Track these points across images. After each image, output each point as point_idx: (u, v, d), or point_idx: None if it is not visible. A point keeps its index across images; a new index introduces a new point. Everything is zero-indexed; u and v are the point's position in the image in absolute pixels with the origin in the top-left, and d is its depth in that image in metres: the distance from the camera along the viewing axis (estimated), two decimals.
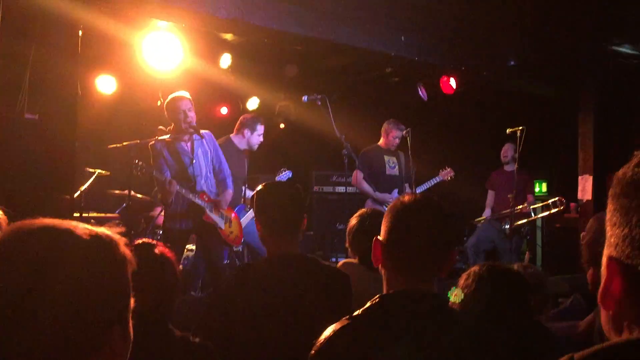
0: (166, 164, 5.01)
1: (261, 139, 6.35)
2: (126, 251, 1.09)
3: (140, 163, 4.80)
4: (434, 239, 1.66)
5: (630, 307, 0.79)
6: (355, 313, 1.60)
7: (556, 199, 7.15)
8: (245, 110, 8.56)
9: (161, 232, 5.81)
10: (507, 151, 7.33)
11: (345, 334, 1.55)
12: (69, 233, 1.03)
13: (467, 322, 1.67)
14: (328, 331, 1.58)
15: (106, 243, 1.06)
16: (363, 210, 3.19)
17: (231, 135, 6.33)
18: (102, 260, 1.04)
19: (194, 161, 5.05)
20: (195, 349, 2.22)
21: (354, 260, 3.03)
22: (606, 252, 0.83)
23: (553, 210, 7.16)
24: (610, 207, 0.83)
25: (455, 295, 2.41)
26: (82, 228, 1.05)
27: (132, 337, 1.12)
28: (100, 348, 1.02)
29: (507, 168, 7.38)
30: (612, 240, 0.81)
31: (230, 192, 5.30)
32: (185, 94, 5.16)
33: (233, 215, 5.43)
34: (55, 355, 0.97)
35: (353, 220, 3.09)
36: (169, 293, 2.22)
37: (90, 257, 1.03)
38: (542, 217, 7.34)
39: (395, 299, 1.62)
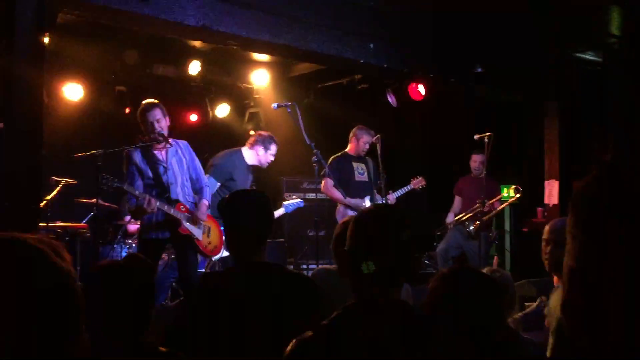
0: (138, 172, 4.95)
1: (272, 158, 6.29)
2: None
3: (109, 177, 4.71)
4: (397, 247, 1.68)
5: (589, 315, 0.81)
6: (322, 323, 1.60)
7: (513, 186, 7.21)
8: (215, 117, 8.54)
9: (132, 240, 5.73)
10: (476, 161, 7.38)
11: (309, 347, 1.55)
12: None
13: (434, 329, 1.68)
14: (295, 342, 1.58)
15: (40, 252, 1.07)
16: (348, 217, 3.19)
17: (243, 148, 6.27)
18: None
19: (168, 170, 5.00)
20: (164, 358, 2.20)
21: (332, 267, 3.03)
22: (567, 262, 0.85)
23: (511, 200, 7.21)
24: (570, 220, 0.85)
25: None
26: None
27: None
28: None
29: (475, 174, 7.46)
30: (573, 251, 0.83)
31: (205, 202, 5.21)
32: (154, 102, 5.11)
33: (214, 225, 5.35)
34: None
35: (338, 228, 3.09)
36: (142, 304, 2.20)
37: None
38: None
39: (361, 308, 1.63)
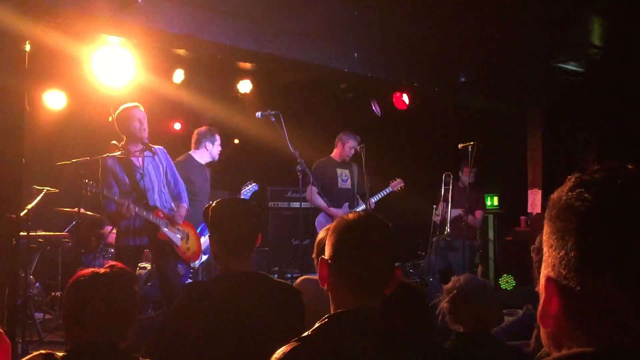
0: (115, 180, 4.91)
1: (220, 148, 6.31)
2: None
3: (90, 182, 4.68)
4: (379, 255, 1.66)
5: (568, 325, 0.82)
6: (305, 334, 1.59)
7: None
8: (199, 125, 8.49)
9: (113, 249, 5.67)
10: (467, 173, 7.39)
11: (294, 357, 1.53)
12: None
13: (415, 339, 1.67)
14: (277, 354, 1.56)
15: None
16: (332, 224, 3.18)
17: (190, 152, 6.25)
18: None
19: (144, 176, 4.97)
20: None
21: (314, 277, 3.01)
22: (544, 272, 0.86)
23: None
24: (546, 229, 0.86)
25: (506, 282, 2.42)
26: None
27: None
28: None
29: (460, 184, 7.48)
30: (550, 261, 0.84)
31: (184, 205, 5.22)
32: (136, 104, 5.10)
33: (192, 231, 5.34)
34: None
35: (321, 234, 3.08)
36: (122, 315, 2.16)
37: None
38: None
39: (342, 318, 1.61)
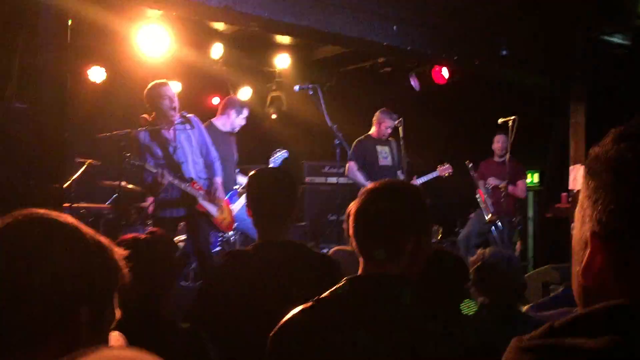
0: (150, 154, 4.97)
1: (244, 122, 6.27)
2: (102, 239, 1.12)
3: (130, 155, 4.75)
4: (387, 222, 1.67)
5: (612, 280, 0.81)
6: (322, 295, 1.61)
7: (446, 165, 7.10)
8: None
9: (151, 222, 5.78)
10: (499, 142, 7.33)
11: (307, 316, 1.57)
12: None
13: (430, 307, 1.66)
14: (291, 313, 1.59)
15: (73, 229, 1.08)
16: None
17: (213, 119, 6.25)
18: (65, 243, 1.07)
19: (177, 148, 5.01)
20: (184, 335, 2.21)
21: (348, 247, 3.02)
22: (587, 228, 0.84)
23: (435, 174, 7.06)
24: (590, 184, 0.85)
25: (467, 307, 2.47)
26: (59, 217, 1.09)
27: (109, 325, 1.14)
28: (64, 328, 1.03)
29: (497, 158, 7.38)
30: (596, 216, 0.82)
31: (219, 179, 5.25)
32: (165, 81, 5.13)
33: (224, 201, 5.41)
34: (15, 331, 1.00)
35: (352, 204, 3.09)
36: (162, 280, 2.21)
37: (56, 239, 1.05)
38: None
39: (358, 282, 1.63)
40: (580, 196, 0.89)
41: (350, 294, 1.60)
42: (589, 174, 0.86)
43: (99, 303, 1.10)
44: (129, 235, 2.22)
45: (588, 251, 0.83)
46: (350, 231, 1.74)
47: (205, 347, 2.20)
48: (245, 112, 6.24)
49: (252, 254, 2.41)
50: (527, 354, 0.74)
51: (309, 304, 1.61)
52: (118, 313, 1.21)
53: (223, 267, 2.44)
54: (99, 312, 1.10)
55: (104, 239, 1.16)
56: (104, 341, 1.13)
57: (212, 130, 6.09)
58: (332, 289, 1.63)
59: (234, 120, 6.19)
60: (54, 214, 1.12)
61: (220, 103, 6.34)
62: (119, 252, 1.18)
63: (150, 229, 2.26)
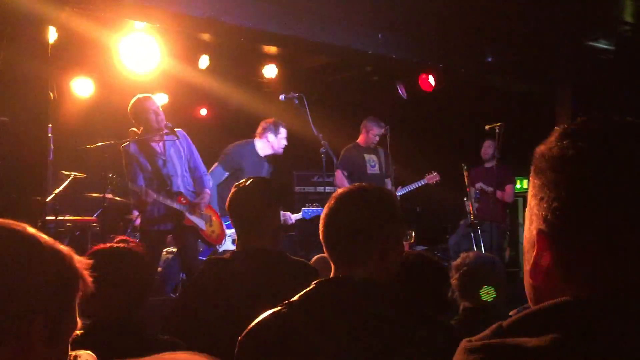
0: (139, 168, 4.94)
1: (285, 142, 6.21)
2: (61, 247, 1.11)
3: (113, 176, 4.74)
4: (350, 224, 1.68)
5: (559, 278, 0.81)
6: (292, 299, 1.61)
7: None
8: (224, 111, 8.54)
9: (138, 234, 5.75)
10: (488, 148, 7.34)
11: (276, 319, 1.56)
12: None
13: (400, 309, 1.65)
14: (261, 316, 1.59)
15: (26, 237, 1.07)
16: None
17: (253, 139, 6.20)
18: (15, 251, 1.06)
19: (167, 162, 4.99)
20: (163, 346, 2.19)
21: None
22: (532, 227, 0.84)
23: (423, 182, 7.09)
24: (535, 182, 0.85)
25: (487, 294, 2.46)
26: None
27: (68, 334, 1.11)
28: (15, 338, 1.01)
29: (487, 165, 7.39)
30: (541, 214, 0.83)
31: (207, 192, 5.22)
32: (148, 95, 5.12)
33: (214, 214, 5.38)
34: None
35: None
36: (138, 290, 2.19)
37: (4, 246, 1.05)
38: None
39: (324, 285, 1.64)
40: (528, 195, 0.89)
41: (317, 297, 1.60)
42: (535, 172, 0.87)
43: (55, 312, 1.07)
44: (105, 245, 2.20)
45: (535, 250, 0.83)
46: (320, 236, 1.74)
47: None
48: (283, 132, 6.15)
49: (229, 260, 2.41)
50: (473, 355, 0.73)
51: (278, 307, 1.61)
52: (79, 323, 1.18)
53: (199, 275, 2.43)
54: (56, 321, 1.07)
55: (63, 248, 1.13)
56: (62, 351, 1.10)
57: (247, 148, 6.05)
58: (302, 292, 1.62)
59: (274, 143, 6.12)
60: (10, 222, 1.10)
61: (259, 127, 6.27)
62: (81, 261, 1.16)
63: (119, 238, 2.23)
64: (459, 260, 2.96)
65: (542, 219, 0.82)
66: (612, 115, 0.86)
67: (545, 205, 0.82)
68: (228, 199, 2.60)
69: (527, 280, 0.86)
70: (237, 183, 2.66)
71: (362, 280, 1.60)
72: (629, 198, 0.77)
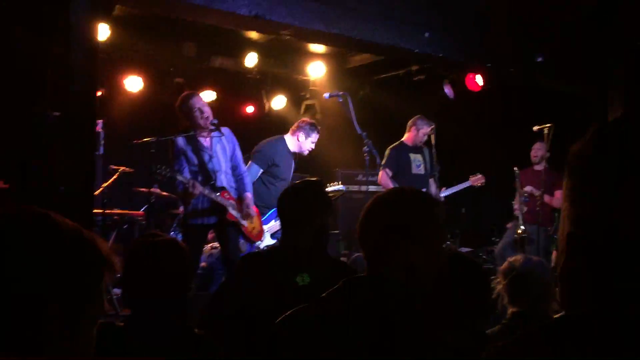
0: (186, 160, 5.04)
1: (313, 146, 6.24)
2: (84, 233, 1.11)
3: (160, 167, 4.82)
4: (382, 223, 1.69)
5: (587, 282, 0.78)
6: (322, 295, 1.61)
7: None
8: (271, 109, 8.60)
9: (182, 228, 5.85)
10: (538, 150, 7.18)
11: (304, 315, 1.56)
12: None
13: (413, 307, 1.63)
14: (290, 311, 1.59)
15: (47, 224, 1.08)
16: None
17: (285, 135, 6.27)
18: (30, 236, 1.06)
19: (213, 157, 5.08)
20: (198, 340, 2.21)
21: None
22: (566, 229, 0.81)
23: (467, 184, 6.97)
24: (569, 184, 0.82)
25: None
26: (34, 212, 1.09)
27: (91, 320, 1.12)
28: (30, 323, 1.02)
29: (536, 167, 7.24)
30: (574, 217, 0.79)
31: (249, 194, 5.28)
32: (194, 92, 5.21)
33: (254, 211, 5.43)
34: None
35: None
36: (177, 282, 2.22)
37: (20, 232, 1.05)
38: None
39: (353, 284, 1.64)
40: (562, 196, 0.87)
41: (344, 295, 1.59)
42: (568, 173, 0.84)
43: (73, 298, 1.08)
44: (146, 239, 2.24)
45: (567, 252, 0.80)
46: (357, 236, 1.75)
47: (217, 353, 2.20)
48: (314, 136, 6.16)
49: (267, 258, 2.43)
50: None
51: (309, 303, 1.62)
52: (107, 307, 1.20)
53: (238, 272, 2.47)
54: (74, 308, 1.08)
55: (87, 233, 1.13)
56: (82, 337, 1.11)
57: (279, 145, 6.12)
58: (330, 290, 1.63)
59: (302, 144, 6.15)
60: (32, 209, 1.10)
61: (295, 123, 6.31)
62: (107, 248, 1.16)
63: (153, 231, 2.27)
64: (506, 265, 2.89)
65: (574, 222, 0.80)
66: None
67: (578, 208, 0.79)
68: (279, 198, 2.66)
69: (559, 282, 0.84)
70: (293, 183, 2.71)
71: (389, 280, 1.59)
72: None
